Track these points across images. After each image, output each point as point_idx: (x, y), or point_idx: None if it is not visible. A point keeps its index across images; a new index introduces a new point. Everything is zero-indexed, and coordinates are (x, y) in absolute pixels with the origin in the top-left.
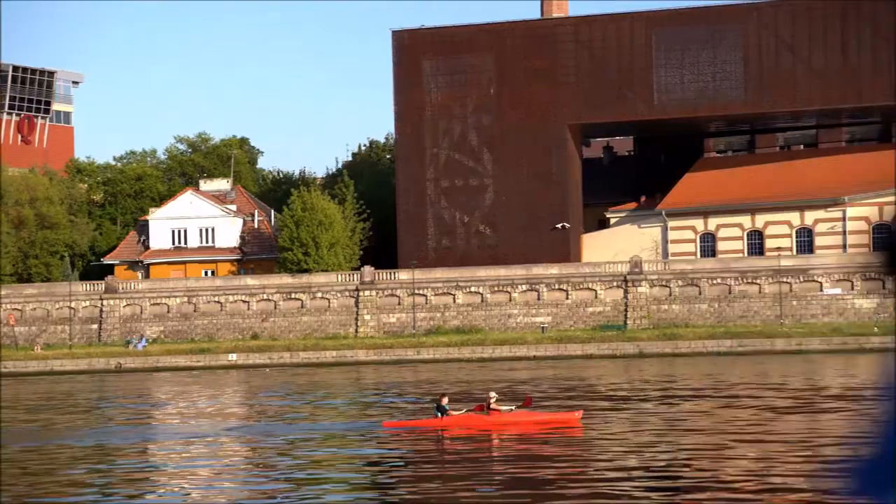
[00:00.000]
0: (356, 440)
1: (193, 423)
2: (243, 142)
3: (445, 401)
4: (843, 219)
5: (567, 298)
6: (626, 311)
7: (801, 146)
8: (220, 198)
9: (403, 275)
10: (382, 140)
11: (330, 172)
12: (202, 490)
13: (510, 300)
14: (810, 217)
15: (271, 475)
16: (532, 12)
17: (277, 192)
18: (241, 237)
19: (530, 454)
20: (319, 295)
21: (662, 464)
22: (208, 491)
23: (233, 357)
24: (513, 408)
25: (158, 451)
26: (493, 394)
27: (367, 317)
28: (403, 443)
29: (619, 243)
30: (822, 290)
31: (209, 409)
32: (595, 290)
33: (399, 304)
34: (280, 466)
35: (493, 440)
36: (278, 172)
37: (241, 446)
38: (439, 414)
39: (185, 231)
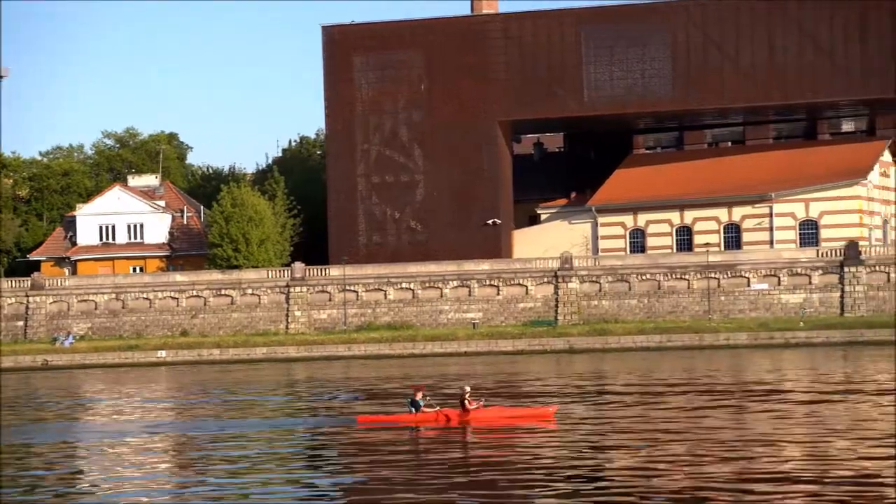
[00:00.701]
0: (282, 438)
1: (120, 421)
2: (172, 137)
3: (420, 396)
4: (770, 215)
5: (498, 294)
6: (556, 306)
7: (729, 143)
8: (148, 194)
9: (334, 271)
10: (313, 136)
11: (260, 168)
12: (122, 488)
13: (441, 296)
14: (738, 213)
15: (189, 475)
16: (462, 9)
17: (207, 187)
18: (170, 233)
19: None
20: (250, 291)
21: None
22: (128, 489)
23: (162, 354)
24: (482, 402)
25: (84, 450)
26: (467, 388)
27: (298, 313)
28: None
29: (550, 239)
30: (749, 286)
31: (138, 406)
32: (526, 286)
33: (330, 300)
34: (205, 465)
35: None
36: (208, 168)
37: (167, 444)
38: (413, 409)
39: (113, 227)
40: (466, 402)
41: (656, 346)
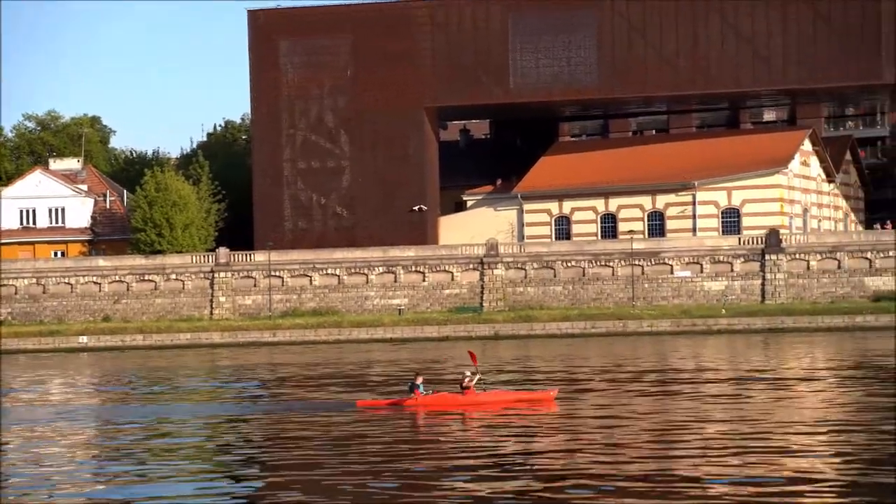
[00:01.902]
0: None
1: (42, 408)
2: (95, 120)
3: (420, 380)
4: (693, 203)
5: (424, 281)
6: (482, 293)
7: (653, 131)
8: (70, 177)
9: (259, 256)
10: (238, 120)
11: (184, 153)
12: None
13: (367, 282)
14: (661, 201)
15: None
16: None
17: (130, 171)
18: (93, 217)
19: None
20: (173, 276)
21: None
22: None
23: (83, 339)
24: (478, 376)
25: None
26: (467, 372)
27: (223, 299)
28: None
29: (476, 226)
30: (672, 273)
31: (59, 392)
32: (452, 273)
33: (255, 285)
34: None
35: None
36: (131, 152)
37: (92, 430)
38: (412, 393)
39: (34, 211)
40: (466, 385)
41: (581, 332)
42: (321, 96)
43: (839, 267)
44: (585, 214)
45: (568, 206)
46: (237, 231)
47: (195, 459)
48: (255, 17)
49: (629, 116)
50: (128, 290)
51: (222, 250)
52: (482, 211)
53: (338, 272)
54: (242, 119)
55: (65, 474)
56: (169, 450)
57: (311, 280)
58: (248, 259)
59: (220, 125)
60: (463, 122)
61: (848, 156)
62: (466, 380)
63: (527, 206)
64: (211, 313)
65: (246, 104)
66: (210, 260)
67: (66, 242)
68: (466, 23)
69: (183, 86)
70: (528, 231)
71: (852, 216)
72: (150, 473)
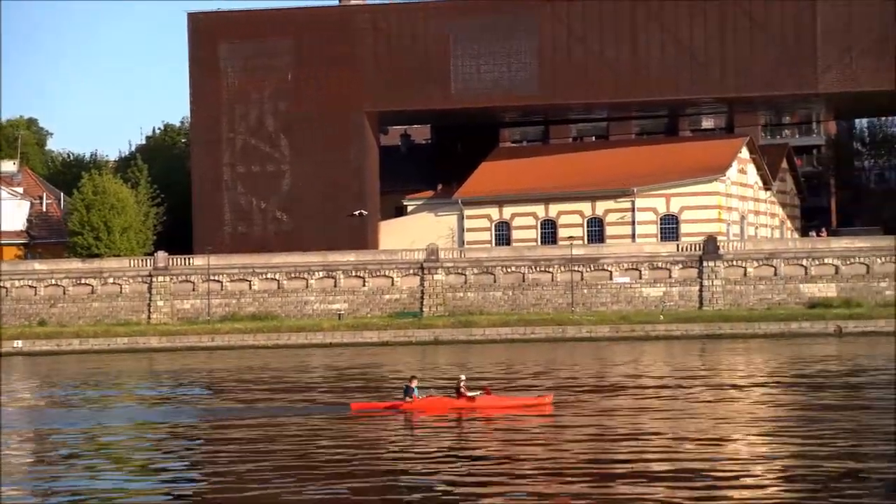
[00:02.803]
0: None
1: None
2: (31, 122)
3: (415, 383)
4: (633, 209)
5: (364, 285)
6: (422, 298)
7: (593, 138)
8: (5, 180)
9: (198, 260)
10: (178, 124)
11: (123, 156)
12: None
13: (307, 287)
14: (601, 207)
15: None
16: None
17: (67, 174)
18: (29, 220)
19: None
20: (111, 280)
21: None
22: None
23: (18, 344)
24: (478, 392)
25: None
26: (463, 376)
27: (161, 303)
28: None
29: (416, 231)
30: (611, 279)
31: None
32: (392, 278)
33: (194, 290)
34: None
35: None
36: (69, 155)
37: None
38: (408, 397)
39: None
40: (462, 390)
41: (520, 338)
42: (262, 100)
43: (775, 274)
44: (525, 220)
45: (508, 211)
46: (176, 235)
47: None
48: (194, 19)
49: (569, 123)
50: (64, 293)
51: (161, 254)
52: (423, 216)
53: (277, 277)
54: (182, 122)
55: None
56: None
57: (250, 284)
58: (187, 263)
59: (159, 128)
60: (404, 127)
61: (784, 164)
62: (462, 384)
63: (467, 212)
64: (149, 317)
65: (186, 107)
66: (148, 264)
67: (0, 246)
68: (408, 28)
69: (122, 88)
70: (468, 236)
71: (788, 223)
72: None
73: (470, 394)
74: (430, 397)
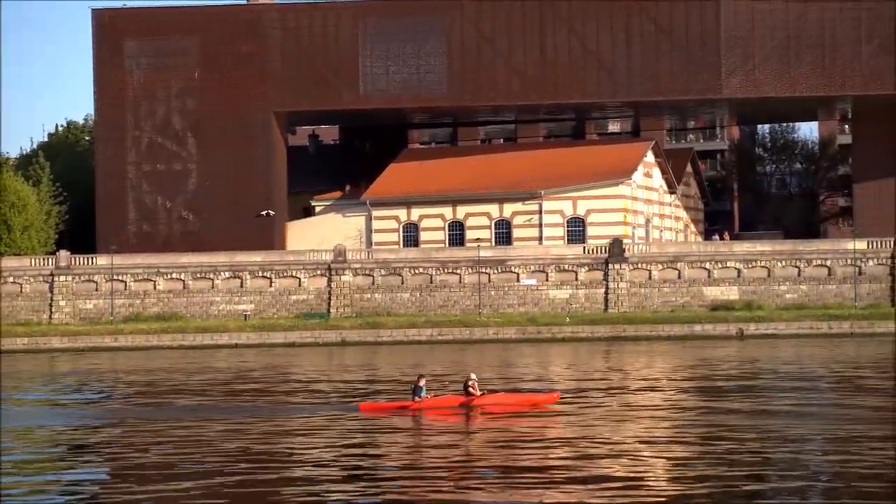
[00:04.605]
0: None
1: None
2: None
3: (422, 382)
4: (540, 212)
5: (271, 286)
6: (329, 299)
7: (501, 140)
8: None
9: (102, 260)
10: (82, 121)
11: (24, 153)
12: None
13: (213, 287)
14: (509, 210)
15: None
16: None
17: None
18: None
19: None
20: (11, 280)
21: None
22: None
23: None
24: (484, 391)
25: None
26: (472, 375)
27: (63, 303)
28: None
29: (324, 232)
30: (518, 281)
31: None
32: (299, 279)
33: (97, 289)
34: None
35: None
36: None
37: None
38: (416, 396)
39: None
40: (471, 388)
41: (427, 339)
42: (168, 98)
43: (679, 277)
44: (433, 222)
45: (416, 213)
46: (79, 234)
47: None
48: (99, 16)
49: (478, 125)
50: None
51: (63, 253)
52: (330, 217)
53: (183, 277)
54: (86, 120)
55: None
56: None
57: (155, 284)
58: (90, 262)
59: (62, 126)
60: (312, 127)
61: (689, 168)
62: (471, 382)
63: (375, 213)
64: (50, 318)
65: (91, 105)
66: (50, 263)
67: None
68: (317, 28)
69: (24, 85)
70: (376, 238)
71: (692, 227)
72: None
73: (478, 392)
74: (441, 396)
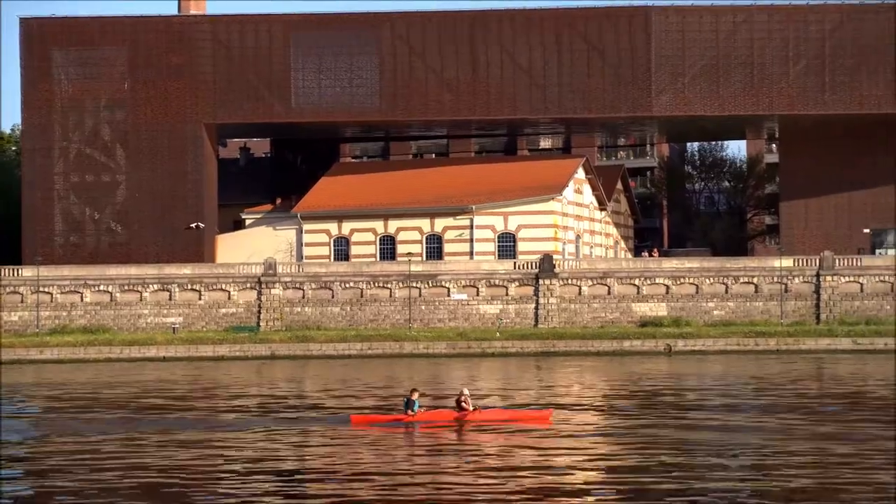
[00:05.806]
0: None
1: None
2: None
3: (415, 395)
4: (471, 227)
5: (200, 299)
6: (259, 312)
7: (433, 155)
8: None
9: (27, 271)
10: (8, 131)
11: None
12: None
13: (141, 300)
14: (440, 224)
15: None
16: (170, 8)
17: None
18: None
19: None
20: None
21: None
22: None
23: None
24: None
25: None
26: (465, 390)
27: None
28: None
29: (254, 245)
30: (449, 296)
31: None
32: (228, 292)
33: (22, 301)
34: None
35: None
36: None
37: None
38: (409, 410)
39: None
40: (463, 403)
41: (358, 353)
42: (97, 109)
43: (609, 293)
44: (364, 236)
45: (347, 227)
46: (4, 245)
47: None
48: (27, 25)
49: (410, 139)
50: None
51: None
52: (261, 230)
53: (110, 289)
54: (13, 129)
55: None
56: None
57: (81, 297)
58: (15, 274)
59: None
60: (243, 140)
61: (619, 185)
62: (464, 397)
63: (306, 226)
64: None
65: (18, 114)
66: None
67: None
68: (249, 40)
69: None
70: (306, 251)
71: (622, 244)
72: None
73: (471, 407)
74: (434, 410)
